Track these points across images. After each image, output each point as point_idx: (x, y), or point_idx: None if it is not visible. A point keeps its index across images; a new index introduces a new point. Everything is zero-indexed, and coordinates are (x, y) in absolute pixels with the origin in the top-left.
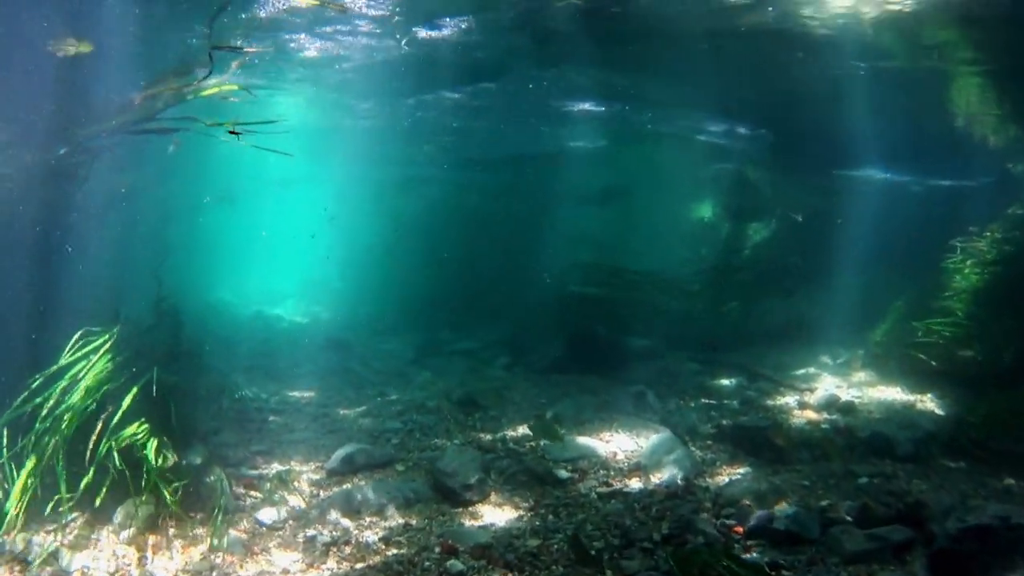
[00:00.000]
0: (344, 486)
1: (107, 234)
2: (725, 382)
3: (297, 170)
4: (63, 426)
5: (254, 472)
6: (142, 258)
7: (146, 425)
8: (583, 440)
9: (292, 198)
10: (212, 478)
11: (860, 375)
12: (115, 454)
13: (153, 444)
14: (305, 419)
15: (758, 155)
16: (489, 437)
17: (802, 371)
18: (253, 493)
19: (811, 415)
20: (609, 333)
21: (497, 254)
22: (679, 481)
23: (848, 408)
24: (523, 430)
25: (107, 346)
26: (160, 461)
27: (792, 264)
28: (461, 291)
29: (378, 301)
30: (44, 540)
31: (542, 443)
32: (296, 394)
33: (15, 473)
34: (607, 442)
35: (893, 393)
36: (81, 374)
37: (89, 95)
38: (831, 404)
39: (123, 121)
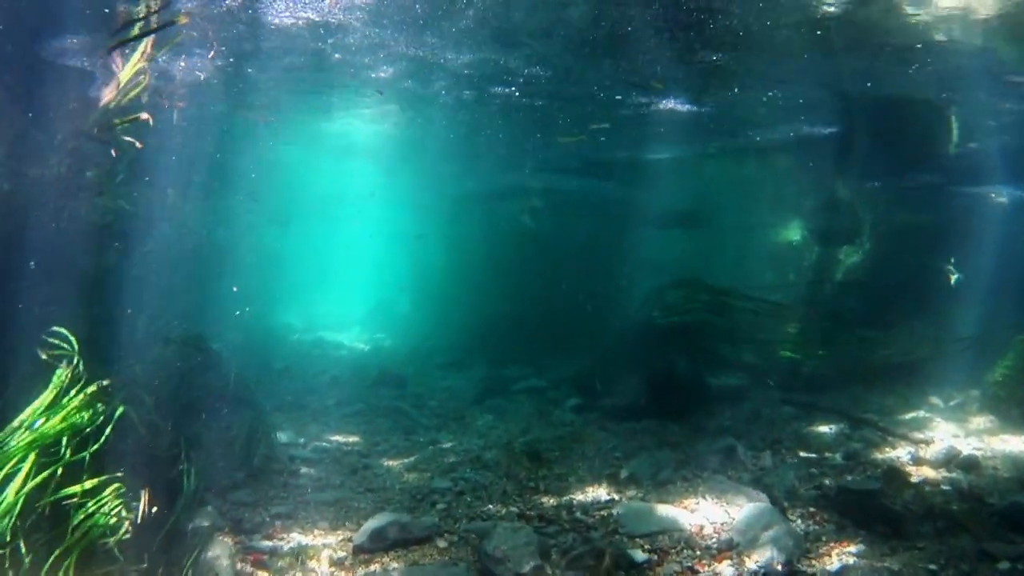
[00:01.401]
0: (371, 568)
1: (140, 256)
2: (824, 430)
3: (366, 186)
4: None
5: (268, 544)
6: (191, 281)
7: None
8: (663, 509)
9: (357, 217)
10: (214, 553)
11: (978, 421)
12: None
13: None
14: (342, 472)
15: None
16: (553, 502)
17: (910, 415)
18: (261, 574)
19: (928, 473)
20: (690, 370)
21: (572, 279)
22: (779, 567)
23: (971, 464)
24: (594, 493)
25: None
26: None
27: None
28: (531, 321)
29: (443, 331)
30: None
31: (616, 512)
32: (338, 439)
33: None
34: (692, 511)
35: (1019, 444)
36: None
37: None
38: (950, 459)
39: (97, 120)
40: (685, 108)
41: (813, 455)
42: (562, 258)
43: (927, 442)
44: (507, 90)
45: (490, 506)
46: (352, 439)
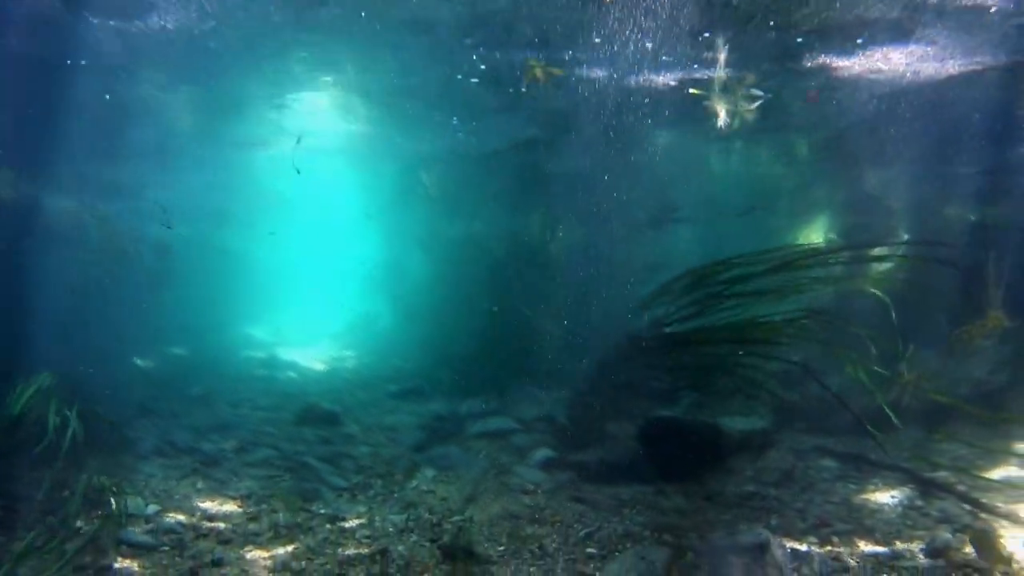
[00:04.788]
0: None
1: None
2: (885, 499)
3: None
4: None
5: None
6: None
7: None
8: None
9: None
10: None
11: None
12: None
13: None
14: (176, 573)
15: None
16: None
17: (997, 474)
18: None
19: None
20: (695, 413)
21: (556, 287)
22: None
23: None
24: None
25: None
26: None
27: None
28: (508, 337)
29: (411, 349)
30: None
31: None
32: (207, 507)
33: None
34: None
35: None
36: None
37: None
38: None
39: None
40: None
41: (881, 548)
42: (547, 259)
43: None
44: None
45: None
46: (227, 508)
